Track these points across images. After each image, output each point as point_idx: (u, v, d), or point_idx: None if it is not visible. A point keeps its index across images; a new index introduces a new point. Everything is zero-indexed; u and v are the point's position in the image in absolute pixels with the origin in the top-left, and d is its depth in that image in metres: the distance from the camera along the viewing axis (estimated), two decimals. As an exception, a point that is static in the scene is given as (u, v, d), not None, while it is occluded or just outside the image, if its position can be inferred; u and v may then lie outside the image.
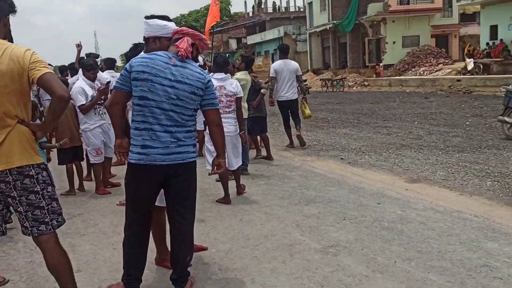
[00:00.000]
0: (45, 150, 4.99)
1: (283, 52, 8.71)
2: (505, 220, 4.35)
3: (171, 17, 3.48)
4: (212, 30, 14.64)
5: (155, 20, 3.24)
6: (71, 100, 5.65)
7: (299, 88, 8.65)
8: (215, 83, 5.41)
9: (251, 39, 49.63)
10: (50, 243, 2.68)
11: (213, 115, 3.13)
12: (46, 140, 5.11)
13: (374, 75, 29.34)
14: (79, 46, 8.69)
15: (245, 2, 77.72)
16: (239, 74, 6.46)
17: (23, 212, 2.61)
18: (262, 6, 53.63)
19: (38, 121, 3.88)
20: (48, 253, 2.69)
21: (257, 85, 7.21)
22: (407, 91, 22.29)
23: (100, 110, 5.85)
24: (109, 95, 4.78)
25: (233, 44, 55.65)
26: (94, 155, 5.93)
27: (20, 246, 4.16)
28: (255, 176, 6.62)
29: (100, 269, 3.63)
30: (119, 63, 30.24)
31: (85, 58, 7.89)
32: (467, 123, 10.65)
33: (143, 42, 3.41)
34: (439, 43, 32.04)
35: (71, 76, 8.55)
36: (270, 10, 53.23)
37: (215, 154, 3.46)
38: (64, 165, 5.96)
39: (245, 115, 6.36)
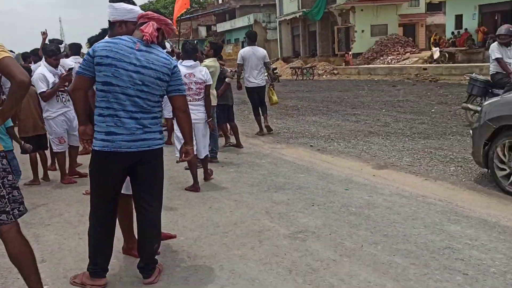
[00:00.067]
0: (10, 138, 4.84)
1: (251, 38, 8.70)
2: (467, 203, 4.49)
3: (139, 3, 3.39)
4: (180, 18, 14.42)
5: (122, 4, 3.16)
6: (34, 88, 5.49)
7: (267, 75, 8.69)
8: (184, 70, 5.34)
9: (221, 27, 49.21)
10: (11, 232, 2.61)
11: (179, 102, 3.09)
12: (12, 125, 4.93)
13: (344, 63, 29.58)
14: (44, 34, 8.43)
15: (215, -11, 76.92)
16: (207, 61, 6.39)
17: (-18, 202, 2.52)
18: (232, -7, 53.15)
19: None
20: (10, 243, 2.62)
21: (222, 74, 7.16)
22: (376, 79, 22.60)
23: (63, 97, 5.69)
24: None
25: (202, 31, 55.06)
26: (57, 143, 5.78)
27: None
28: (225, 163, 6.60)
29: (65, 259, 3.56)
30: (85, 49, 29.51)
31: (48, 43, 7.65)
32: (433, 110, 10.89)
33: (110, 27, 3.32)
34: (407, 32, 32.58)
35: (35, 63, 8.29)
36: (240, -3, 52.83)
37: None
38: (27, 154, 5.79)
39: (214, 102, 6.32)
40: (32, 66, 7.94)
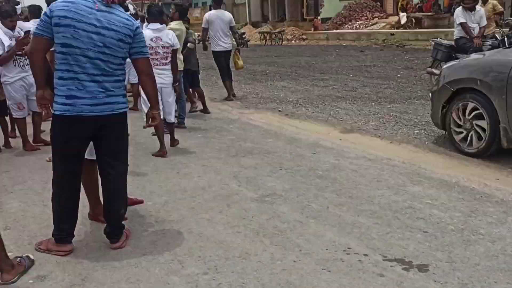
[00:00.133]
0: None
1: (217, 2, 8.54)
2: (429, 165, 4.62)
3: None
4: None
5: None
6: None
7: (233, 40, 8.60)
8: (151, 34, 5.20)
9: (188, -10, 47.92)
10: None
11: (143, 64, 3.01)
12: None
13: (312, 28, 29.39)
14: None
15: (181, -50, 74.34)
16: (173, 24, 6.22)
17: None
18: (199, -45, 51.53)
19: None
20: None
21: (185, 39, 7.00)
22: (344, 44, 22.59)
23: (21, 61, 5.44)
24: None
25: (169, -6, 53.50)
26: (16, 109, 5.58)
27: None
28: (192, 129, 6.55)
29: (29, 226, 3.50)
30: (45, 13, 28.14)
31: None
32: (399, 75, 11.02)
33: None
34: (375, -4, 32.44)
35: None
36: (207, -41, 51.31)
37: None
38: (-14, 121, 5.59)
39: (181, 67, 6.19)
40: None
